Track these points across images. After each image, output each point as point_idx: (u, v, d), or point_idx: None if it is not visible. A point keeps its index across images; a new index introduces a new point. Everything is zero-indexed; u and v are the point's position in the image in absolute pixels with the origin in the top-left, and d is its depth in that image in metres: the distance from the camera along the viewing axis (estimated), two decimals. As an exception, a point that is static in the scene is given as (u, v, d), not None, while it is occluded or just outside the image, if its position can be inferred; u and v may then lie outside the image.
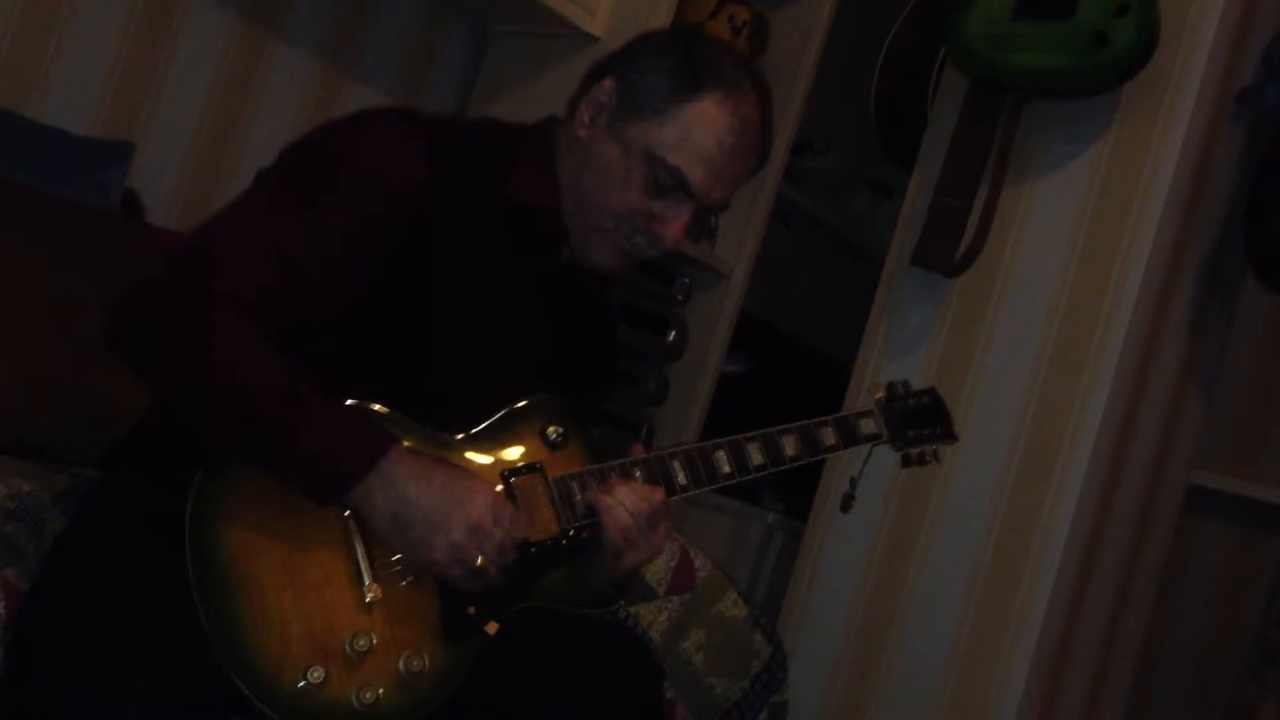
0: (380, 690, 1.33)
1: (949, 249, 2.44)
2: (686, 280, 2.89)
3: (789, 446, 1.57)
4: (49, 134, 2.08)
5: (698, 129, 1.49)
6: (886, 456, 1.71)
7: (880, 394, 1.68)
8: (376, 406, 1.42)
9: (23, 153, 2.00)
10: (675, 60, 1.52)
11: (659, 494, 1.47)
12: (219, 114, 2.41)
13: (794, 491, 2.98)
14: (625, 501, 1.44)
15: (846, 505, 1.70)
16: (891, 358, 2.53)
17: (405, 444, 1.37)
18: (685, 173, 1.49)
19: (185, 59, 2.34)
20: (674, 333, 2.87)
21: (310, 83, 2.53)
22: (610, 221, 1.52)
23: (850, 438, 1.62)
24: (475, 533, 1.35)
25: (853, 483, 1.68)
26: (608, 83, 1.53)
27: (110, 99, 2.26)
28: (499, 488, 1.43)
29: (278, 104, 2.48)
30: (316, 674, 1.30)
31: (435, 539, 1.34)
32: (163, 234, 2.12)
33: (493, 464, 1.46)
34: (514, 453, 1.48)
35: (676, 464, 1.51)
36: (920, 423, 1.68)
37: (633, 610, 2.02)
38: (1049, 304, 2.43)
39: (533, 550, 1.43)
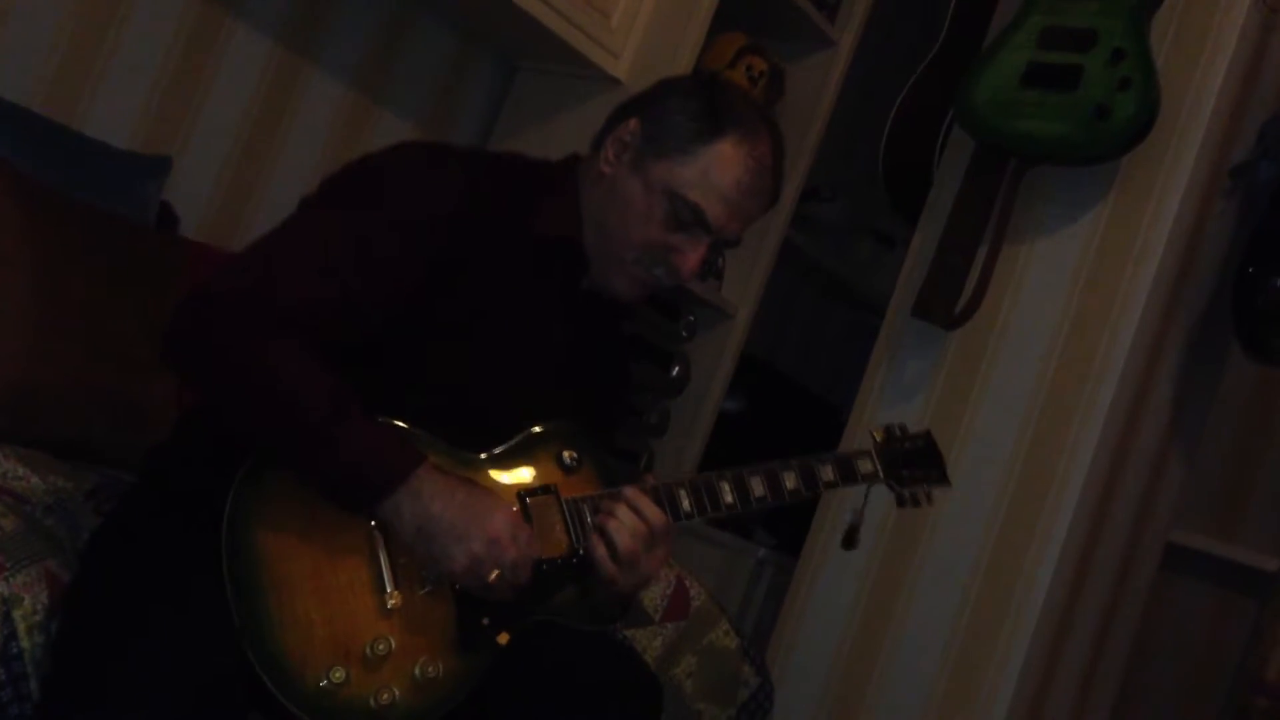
0: (396, 692, 1.40)
1: (949, 303, 2.52)
2: (692, 318, 2.97)
3: (789, 480, 1.64)
4: (92, 146, 2.16)
5: (716, 169, 1.58)
6: (880, 498, 1.77)
7: (879, 436, 1.76)
8: (402, 425, 1.49)
9: (67, 164, 2.07)
10: (697, 105, 1.61)
11: (659, 518, 1.55)
12: (254, 134, 2.49)
13: (786, 528, 3.05)
14: (626, 524, 1.52)
15: (851, 541, 1.74)
16: (888, 404, 2.61)
17: (432, 462, 1.45)
18: (704, 209, 1.58)
19: (225, 81, 2.42)
20: (678, 368, 2.95)
21: (341, 108, 2.61)
22: (632, 254, 1.61)
23: (848, 475, 1.69)
24: (492, 546, 1.43)
25: (854, 522, 1.74)
26: (633, 123, 1.62)
27: (152, 115, 2.34)
28: (515, 507, 1.51)
29: (310, 127, 2.56)
30: (338, 674, 1.37)
31: (455, 550, 1.42)
32: (194, 246, 2.20)
33: (511, 484, 1.54)
34: (531, 474, 1.56)
35: (682, 492, 1.59)
36: (915, 465, 1.75)
37: (629, 634, 2.08)
38: (1041, 362, 2.50)
39: (544, 567, 1.50)
